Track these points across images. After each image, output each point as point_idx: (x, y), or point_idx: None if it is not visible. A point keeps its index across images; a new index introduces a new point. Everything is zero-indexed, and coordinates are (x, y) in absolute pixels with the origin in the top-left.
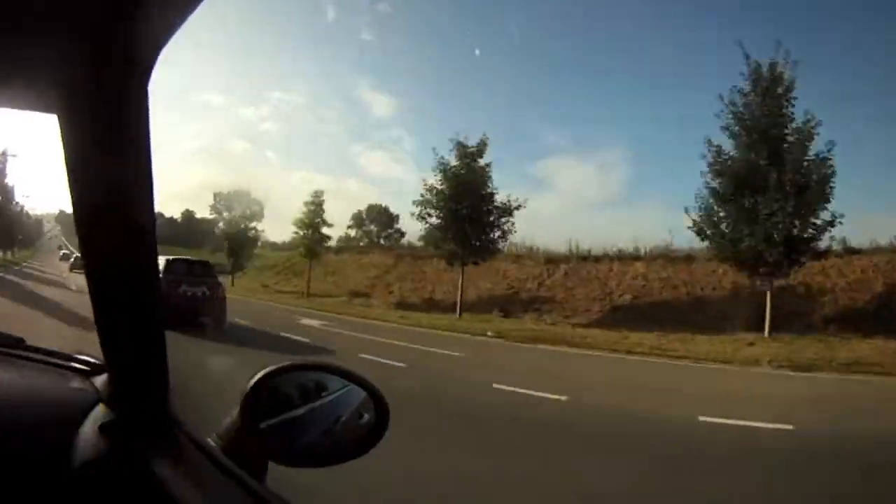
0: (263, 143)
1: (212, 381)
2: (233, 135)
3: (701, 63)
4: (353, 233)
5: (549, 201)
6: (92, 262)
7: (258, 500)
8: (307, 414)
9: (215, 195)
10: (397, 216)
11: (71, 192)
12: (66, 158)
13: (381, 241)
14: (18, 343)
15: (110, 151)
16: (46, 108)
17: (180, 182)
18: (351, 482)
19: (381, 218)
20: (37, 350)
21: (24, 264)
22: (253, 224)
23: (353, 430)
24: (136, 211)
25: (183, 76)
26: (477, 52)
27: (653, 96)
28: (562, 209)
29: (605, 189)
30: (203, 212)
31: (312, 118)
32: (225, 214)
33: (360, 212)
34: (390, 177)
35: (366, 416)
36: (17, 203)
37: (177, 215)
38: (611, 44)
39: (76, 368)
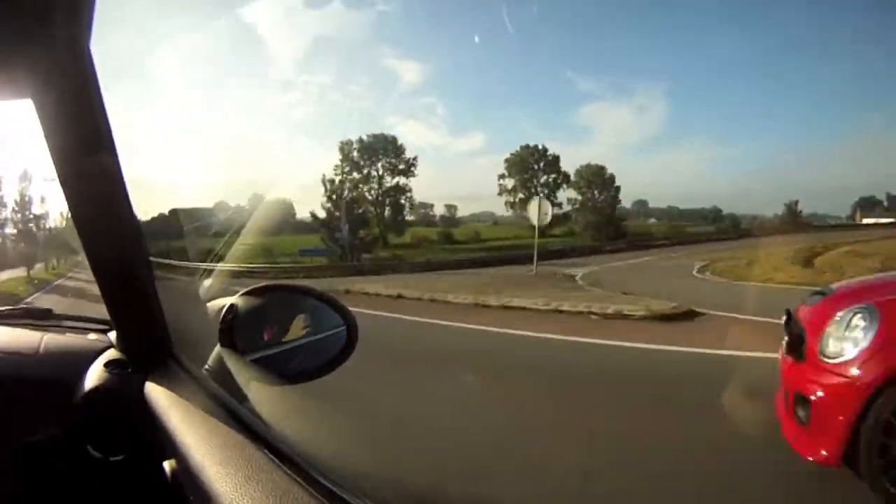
0: (297, 128)
1: None
2: (265, 125)
3: None
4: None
5: (592, 150)
6: (84, 231)
7: (234, 418)
8: (280, 334)
9: (343, 146)
10: (612, 175)
11: (58, 174)
12: (46, 139)
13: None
14: (47, 314)
15: (81, 127)
16: (20, 94)
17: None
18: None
19: (596, 181)
20: (63, 317)
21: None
22: (404, 181)
23: (323, 347)
24: (114, 181)
25: (206, 71)
26: (476, 39)
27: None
28: (604, 157)
29: (645, 133)
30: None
31: (342, 96)
32: (365, 171)
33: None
34: (428, 144)
35: (335, 334)
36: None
37: (243, 202)
38: None
39: (95, 328)
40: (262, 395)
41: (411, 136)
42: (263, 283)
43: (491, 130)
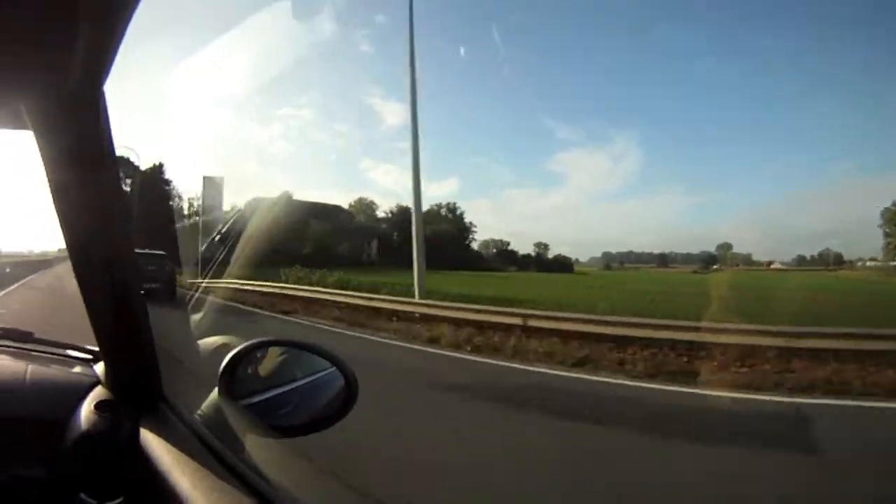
0: (275, 164)
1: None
2: (246, 158)
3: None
4: None
5: (566, 196)
6: (79, 265)
7: (230, 470)
8: (281, 387)
9: None
10: None
11: (55, 203)
12: (46, 172)
13: None
14: (28, 336)
15: (83, 160)
16: (20, 125)
17: None
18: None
19: None
20: (45, 342)
21: None
22: None
23: (323, 402)
24: (114, 216)
25: (191, 98)
26: (462, 51)
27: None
28: (577, 204)
29: (620, 180)
30: None
31: (325, 134)
32: None
33: None
34: (402, 188)
35: (335, 390)
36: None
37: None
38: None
39: (80, 358)
40: (258, 445)
41: (385, 180)
42: (261, 338)
43: (466, 176)
